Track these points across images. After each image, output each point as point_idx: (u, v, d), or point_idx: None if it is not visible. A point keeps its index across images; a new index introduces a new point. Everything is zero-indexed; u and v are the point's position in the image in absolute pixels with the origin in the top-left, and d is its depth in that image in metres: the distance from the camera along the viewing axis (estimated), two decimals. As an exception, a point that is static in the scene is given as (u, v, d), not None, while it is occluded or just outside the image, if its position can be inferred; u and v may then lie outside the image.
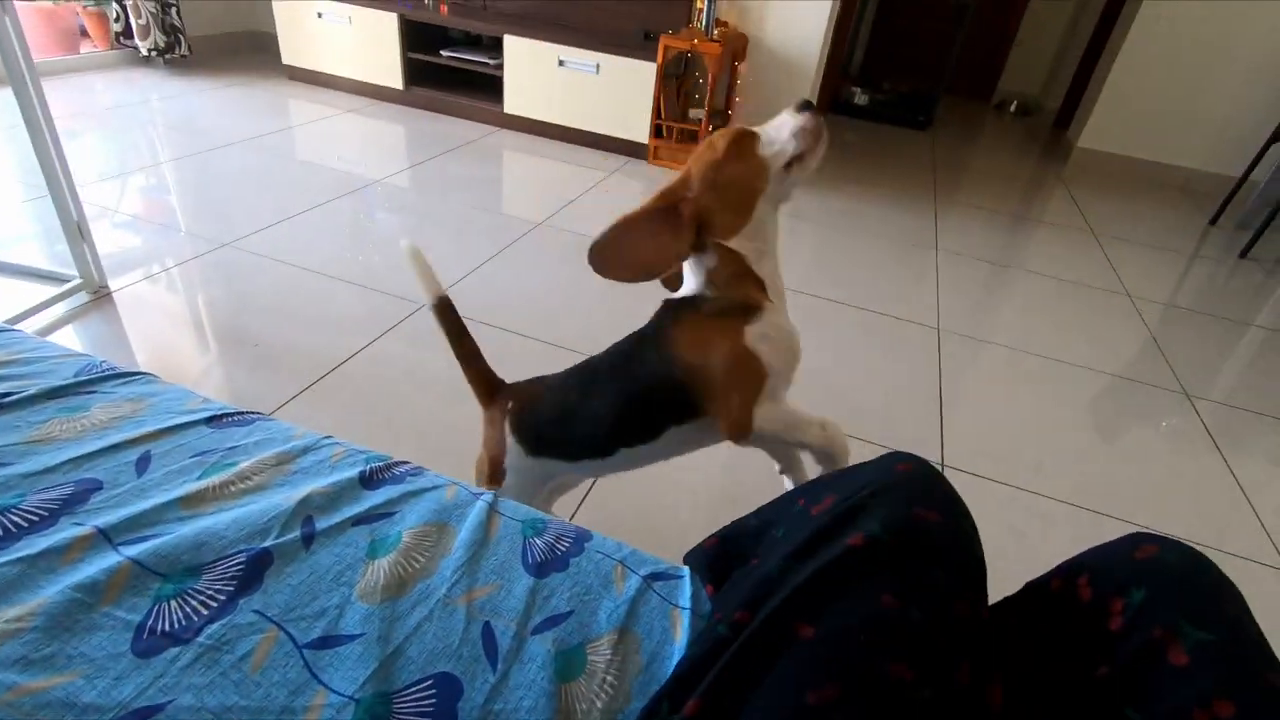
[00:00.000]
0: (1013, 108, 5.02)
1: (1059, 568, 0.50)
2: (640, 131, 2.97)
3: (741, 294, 0.71)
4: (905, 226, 2.70)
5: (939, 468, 1.41)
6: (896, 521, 0.41)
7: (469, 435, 0.93)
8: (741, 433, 0.68)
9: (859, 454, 0.62)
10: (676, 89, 3.05)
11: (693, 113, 3.05)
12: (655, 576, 0.55)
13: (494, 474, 0.83)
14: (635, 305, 0.87)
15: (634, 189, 2.76)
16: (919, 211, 2.87)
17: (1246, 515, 1.44)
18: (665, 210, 0.69)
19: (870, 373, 1.77)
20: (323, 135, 2.94)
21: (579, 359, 0.83)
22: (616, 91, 2.91)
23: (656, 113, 2.91)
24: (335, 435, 0.70)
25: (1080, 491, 1.43)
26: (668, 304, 0.75)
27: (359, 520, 0.54)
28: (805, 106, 0.71)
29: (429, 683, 0.44)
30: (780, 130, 0.71)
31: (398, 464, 0.63)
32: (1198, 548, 0.47)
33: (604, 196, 2.63)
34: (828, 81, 3.98)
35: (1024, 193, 3.38)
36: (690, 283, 0.75)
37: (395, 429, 1.37)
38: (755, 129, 0.72)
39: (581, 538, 0.56)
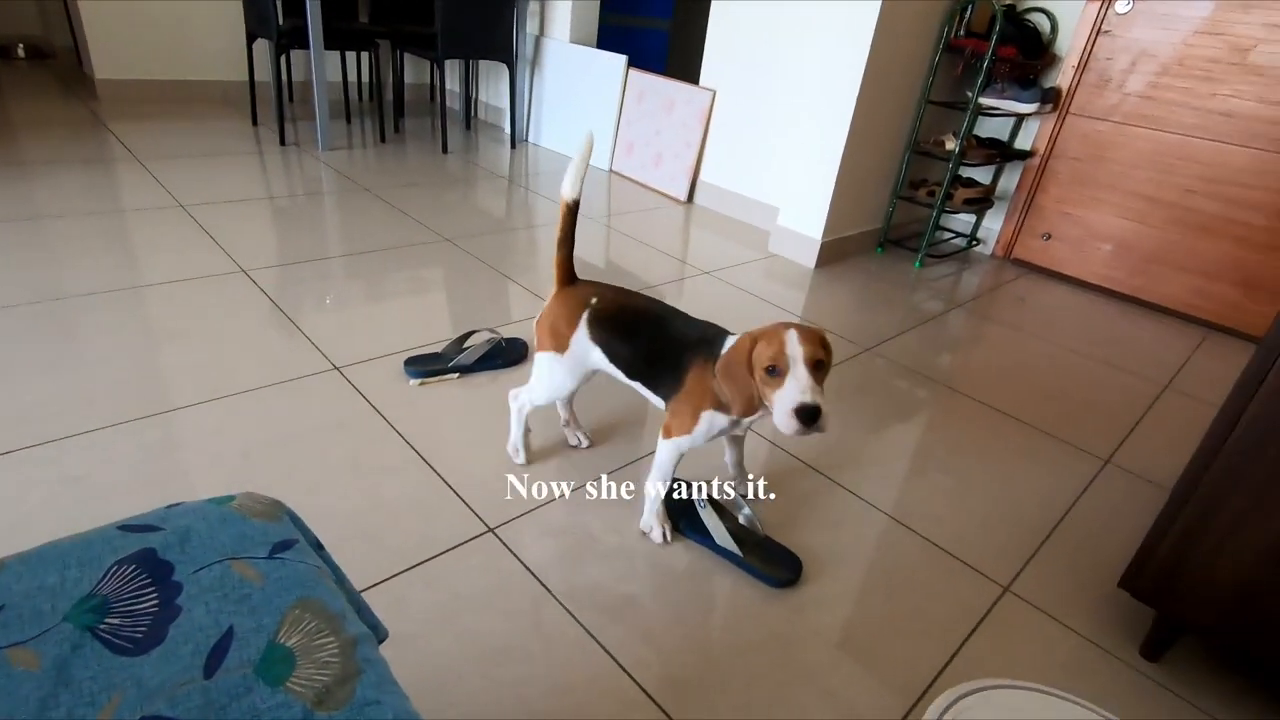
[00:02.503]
0: (21, 51, 4.25)
1: None
2: None
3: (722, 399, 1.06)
4: None
5: None
6: None
7: None
8: (664, 436, 1.16)
9: None
10: None
11: None
12: None
13: (562, 343, 1.18)
14: None
15: None
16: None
17: (304, 345, 1.65)
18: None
19: None
20: None
21: None
22: None
23: None
24: None
25: (152, 397, 1.36)
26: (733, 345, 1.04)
27: None
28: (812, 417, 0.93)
29: None
30: (795, 393, 0.93)
31: None
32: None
33: None
34: None
35: (51, 138, 2.93)
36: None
37: None
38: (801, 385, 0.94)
39: None
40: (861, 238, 2.84)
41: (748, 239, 2.86)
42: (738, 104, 2.97)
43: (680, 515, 1.26)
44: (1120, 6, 2.57)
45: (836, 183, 2.52)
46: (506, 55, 3.47)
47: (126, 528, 0.45)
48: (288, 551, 0.47)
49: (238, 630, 0.40)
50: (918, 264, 2.83)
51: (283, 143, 3.20)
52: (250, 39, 3.27)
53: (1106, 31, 2.62)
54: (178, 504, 0.50)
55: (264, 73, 3.73)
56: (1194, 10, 2.43)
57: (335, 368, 1.58)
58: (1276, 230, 2.42)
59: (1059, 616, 1.18)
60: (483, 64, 4.22)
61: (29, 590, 0.39)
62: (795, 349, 0.94)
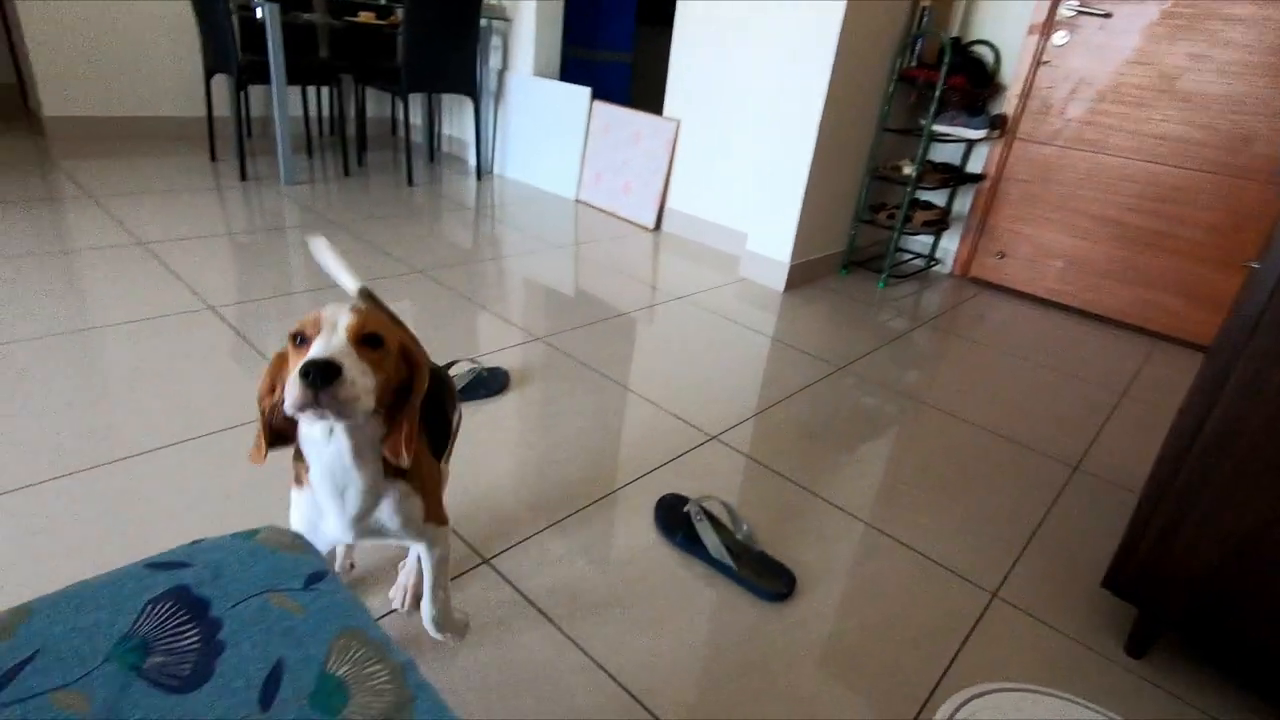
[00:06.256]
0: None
1: None
2: None
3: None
4: None
5: None
6: None
7: None
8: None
9: None
10: None
11: None
12: None
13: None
14: None
15: None
16: None
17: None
18: None
19: None
20: None
21: None
22: None
23: None
24: None
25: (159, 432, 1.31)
26: None
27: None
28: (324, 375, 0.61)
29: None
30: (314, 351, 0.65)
31: None
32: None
33: None
34: None
35: None
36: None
37: None
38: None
39: None
40: (827, 260, 2.92)
41: (717, 264, 2.91)
42: (702, 134, 3.05)
43: (678, 528, 1.26)
44: (1058, 39, 2.73)
45: (802, 208, 2.59)
46: (470, 89, 3.49)
47: (154, 565, 0.44)
48: (321, 583, 0.46)
49: (287, 662, 0.39)
50: (881, 284, 2.91)
51: (243, 178, 3.16)
52: (209, 74, 3.23)
53: (1046, 62, 2.78)
54: (201, 540, 0.48)
55: (222, 107, 3.69)
56: (1125, 42, 2.60)
57: (313, 403, 1.55)
58: (1211, 244, 2.58)
59: (1046, 619, 1.22)
60: (446, 97, 4.25)
61: (64, 633, 0.37)
62: (337, 315, 0.72)
